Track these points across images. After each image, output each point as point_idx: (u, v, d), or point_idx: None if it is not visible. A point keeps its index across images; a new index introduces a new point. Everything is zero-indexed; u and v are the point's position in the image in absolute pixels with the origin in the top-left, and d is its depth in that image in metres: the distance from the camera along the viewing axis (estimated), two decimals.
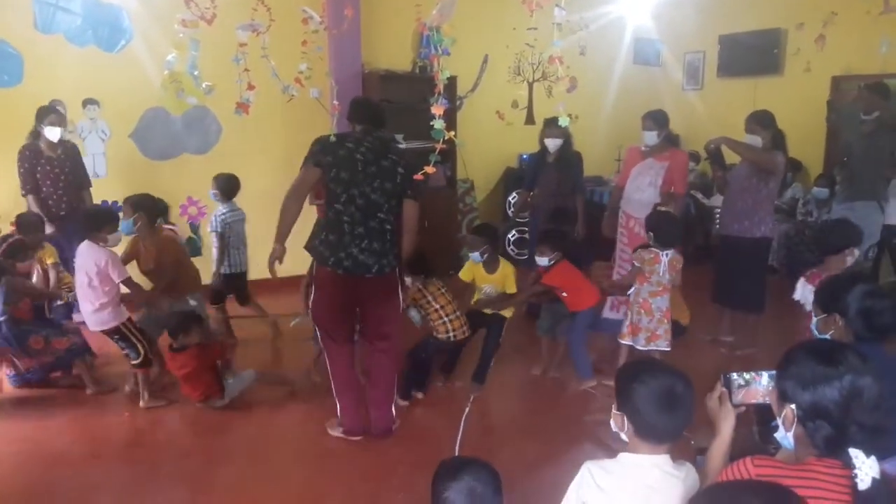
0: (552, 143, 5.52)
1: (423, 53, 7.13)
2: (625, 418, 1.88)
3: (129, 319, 4.26)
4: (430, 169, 2.85)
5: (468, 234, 4.64)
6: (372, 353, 3.81)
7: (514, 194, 7.67)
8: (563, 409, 4.23)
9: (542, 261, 4.42)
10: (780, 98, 7.65)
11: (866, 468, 1.47)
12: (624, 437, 1.92)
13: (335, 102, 4.09)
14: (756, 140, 4.78)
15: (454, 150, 7.20)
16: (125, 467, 3.56)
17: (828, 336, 2.49)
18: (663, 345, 4.22)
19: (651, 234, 4.24)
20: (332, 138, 3.57)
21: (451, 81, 6.90)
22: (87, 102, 5.94)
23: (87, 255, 4.10)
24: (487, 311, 4.48)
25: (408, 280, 4.26)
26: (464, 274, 4.59)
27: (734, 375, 1.88)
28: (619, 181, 5.41)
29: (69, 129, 5.87)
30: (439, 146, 2.86)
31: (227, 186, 5.21)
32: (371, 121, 3.71)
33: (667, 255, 4.17)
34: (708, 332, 5.25)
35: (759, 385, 1.84)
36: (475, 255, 4.41)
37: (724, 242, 5.11)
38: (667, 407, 1.83)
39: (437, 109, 2.72)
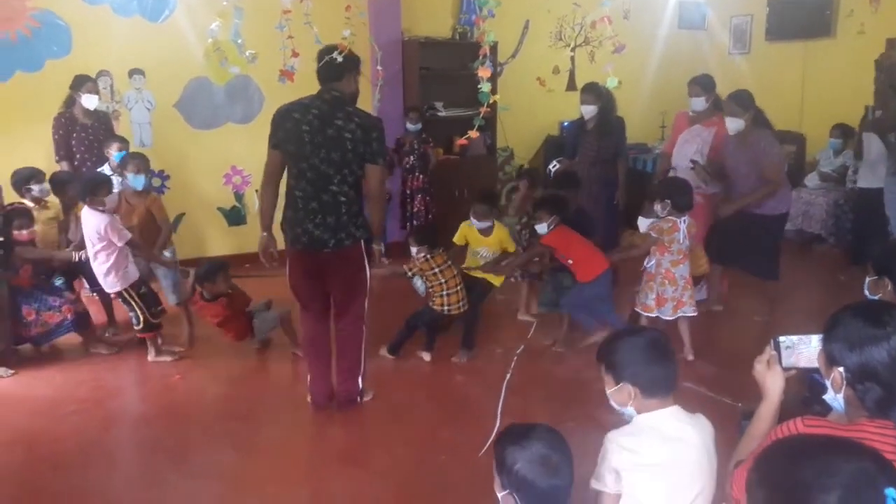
0: (587, 110, 5.44)
1: (464, 19, 7.07)
2: (629, 386, 1.96)
3: (132, 285, 4.34)
4: (473, 133, 2.84)
5: (474, 202, 4.58)
6: (336, 325, 3.74)
7: (554, 162, 7.60)
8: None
9: (541, 227, 4.40)
10: (831, 62, 7.42)
11: None
12: (631, 410, 1.99)
13: (379, 68, 4.07)
14: (738, 123, 4.63)
15: (495, 118, 7.15)
16: (176, 427, 3.69)
17: (877, 298, 2.44)
18: (690, 311, 4.24)
19: (667, 201, 4.18)
20: (282, 109, 3.46)
21: (493, 48, 6.82)
22: (133, 73, 6.04)
23: (88, 222, 4.22)
24: (478, 274, 4.53)
25: (413, 249, 4.32)
26: (458, 238, 4.67)
27: (782, 338, 1.86)
28: (667, 148, 5.35)
29: (116, 100, 5.99)
30: (484, 110, 2.84)
31: None
32: (326, 75, 3.45)
33: (684, 221, 4.16)
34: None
35: (808, 347, 1.82)
36: (483, 223, 4.49)
37: (739, 215, 4.74)
38: (660, 356, 1.98)
39: (484, 72, 2.69)
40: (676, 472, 1.91)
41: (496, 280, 4.58)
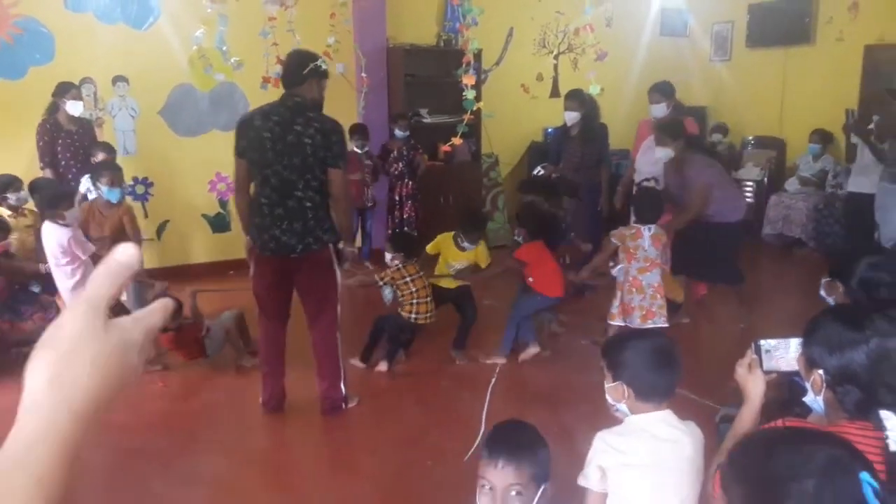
0: (570, 117, 5.48)
1: (449, 26, 7.11)
2: (624, 386, 1.98)
3: None
4: (457, 140, 2.86)
5: (466, 226, 4.48)
6: (311, 333, 3.73)
7: (538, 169, 7.64)
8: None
9: (518, 238, 4.47)
10: (811, 68, 7.54)
11: None
12: (624, 407, 2.02)
13: (363, 75, 4.09)
14: (666, 151, 4.68)
15: (479, 125, 7.18)
16: (164, 436, 3.67)
17: (831, 300, 2.52)
18: (661, 321, 4.09)
19: (632, 209, 4.23)
20: (245, 117, 3.52)
21: (477, 55, 6.87)
22: (117, 80, 6.01)
23: (49, 236, 4.17)
24: (448, 284, 4.52)
25: (387, 256, 4.34)
26: (431, 248, 4.64)
27: (763, 342, 1.90)
28: (634, 155, 5.41)
29: (100, 107, 5.97)
30: (467, 117, 2.87)
31: None
32: (288, 80, 3.48)
33: (649, 229, 4.12)
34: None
35: (788, 351, 1.86)
36: (468, 244, 4.44)
37: (695, 227, 4.73)
38: (662, 364, 1.99)
39: (468, 79, 2.72)
40: (663, 475, 1.93)
41: (461, 282, 4.58)
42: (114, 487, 3.24)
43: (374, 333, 4.40)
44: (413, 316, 4.31)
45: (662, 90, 5.14)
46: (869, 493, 1.08)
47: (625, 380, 1.99)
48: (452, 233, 4.53)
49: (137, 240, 4.90)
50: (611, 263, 4.29)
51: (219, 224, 6.58)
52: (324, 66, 3.50)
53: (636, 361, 2.00)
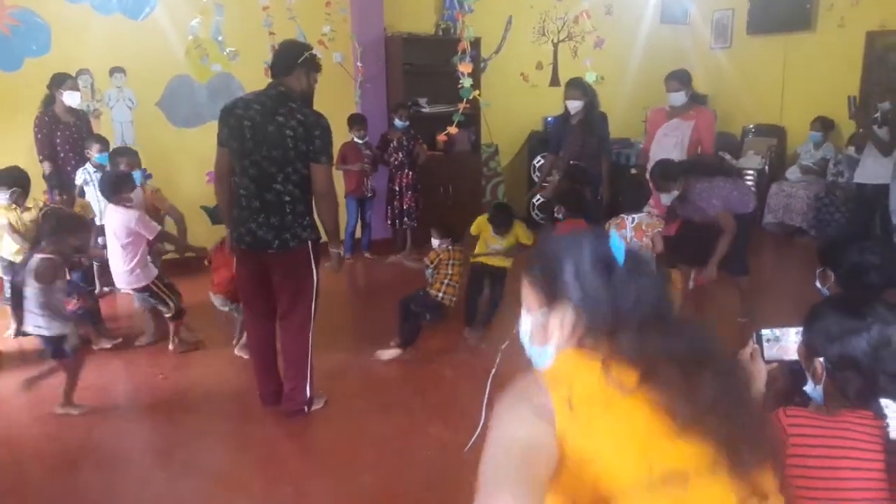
0: (572, 105, 5.40)
1: (447, 14, 7.07)
2: None
3: (158, 276, 4.40)
4: (452, 129, 2.84)
5: (494, 215, 4.64)
6: (280, 329, 3.62)
7: (539, 158, 7.63)
8: None
9: (559, 215, 4.52)
10: (812, 55, 7.49)
11: None
12: None
13: (359, 65, 4.06)
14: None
15: (478, 114, 7.15)
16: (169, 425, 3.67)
17: (826, 290, 2.51)
18: None
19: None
20: (227, 105, 3.38)
21: (475, 44, 6.83)
22: (114, 71, 5.98)
23: (115, 219, 4.25)
24: (492, 261, 4.62)
25: (434, 242, 4.40)
26: (474, 228, 4.76)
27: (764, 331, 1.90)
28: (646, 145, 5.35)
29: (97, 98, 5.94)
30: (463, 106, 2.84)
31: None
32: (276, 69, 3.38)
33: (632, 219, 4.12)
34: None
35: (788, 340, 1.86)
36: (499, 237, 4.59)
37: (706, 223, 4.68)
38: None
39: (465, 67, 2.70)
40: None
41: (507, 262, 4.67)
42: (117, 478, 3.24)
43: (403, 313, 4.43)
44: (441, 295, 4.41)
45: (681, 78, 5.04)
46: None
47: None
48: (488, 214, 4.70)
49: (178, 217, 5.03)
50: None
51: (218, 215, 6.54)
52: (314, 57, 3.40)
53: None
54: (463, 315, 4.71)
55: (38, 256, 3.63)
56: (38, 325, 3.60)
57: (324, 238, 3.58)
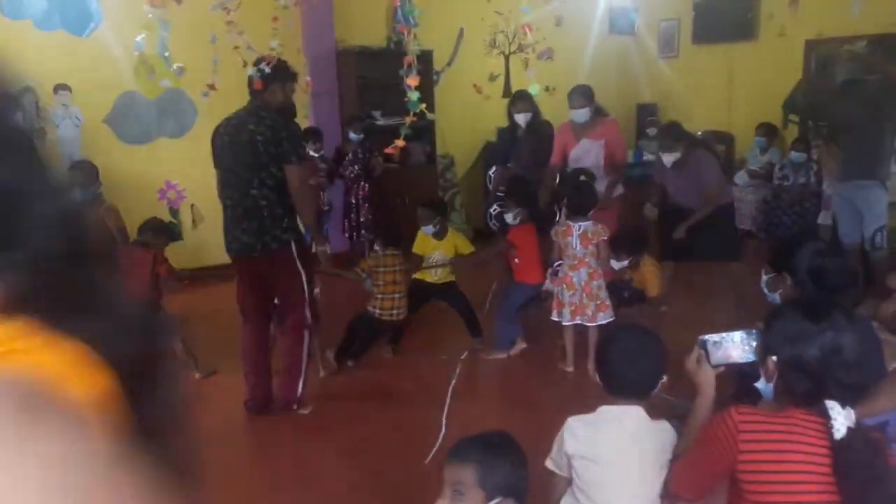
0: (522, 118, 5.33)
1: (398, 27, 7.08)
2: (597, 377, 2.09)
3: None
4: (399, 142, 2.85)
5: (419, 208, 4.63)
6: (278, 331, 3.85)
7: (494, 168, 7.66)
8: (548, 378, 4.29)
9: (509, 217, 4.44)
10: (754, 63, 7.71)
11: (842, 418, 1.51)
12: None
13: (307, 79, 4.05)
14: (674, 156, 4.75)
15: (433, 126, 7.18)
16: None
17: (777, 295, 2.51)
18: (586, 319, 4.09)
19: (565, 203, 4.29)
20: (216, 127, 3.62)
21: (427, 56, 6.85)
22: (59, 88, 5.84)
23: None
24: (429, 278, 4.60)
25: (376, 247, 4.43)
26: (417, 247, 4.70)
27: (707, 337, 1.95)
28: (553, 160, 5.26)
29: (42, 116, 5.79)
30: (409, 119, 2.86)
31: None
32: (251, 87, 3.58)
33: (578, 227, 4.08)
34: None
35: (732, 343, 1.91)
36: (428, 227, 4.52)
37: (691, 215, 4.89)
38: (628, 360, 1.97)
39: (412, 81, 2.71)
40: (622, 472, 1.92)
41: (451, 276, 4.65)
42: None
43: (348, 334, 4.38)
44: (376, 311, 4.31)
45: (585, 94, 5.00)
46: None
47: (599, 371, 2.08)
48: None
49: (123, 237, 4.80)
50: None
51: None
52: (283, 66, 3.55)
53: (609, 353, 2.04)
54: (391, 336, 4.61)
55: None
56: None
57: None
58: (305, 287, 3.68)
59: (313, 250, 3.89)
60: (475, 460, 1.70)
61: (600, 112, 5.16)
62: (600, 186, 4.84)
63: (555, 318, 4.23)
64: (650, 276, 4.82)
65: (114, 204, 5.13)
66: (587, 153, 5.07)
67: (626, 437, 1.93)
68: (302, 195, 3.56)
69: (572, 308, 4.11)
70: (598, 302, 4.11)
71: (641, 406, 1.97)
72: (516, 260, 4.47)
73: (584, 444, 1.93)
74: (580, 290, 4.10)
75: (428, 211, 4.55)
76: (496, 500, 1.69)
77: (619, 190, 5.17)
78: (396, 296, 4.34)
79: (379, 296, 4.32)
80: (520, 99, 5.41)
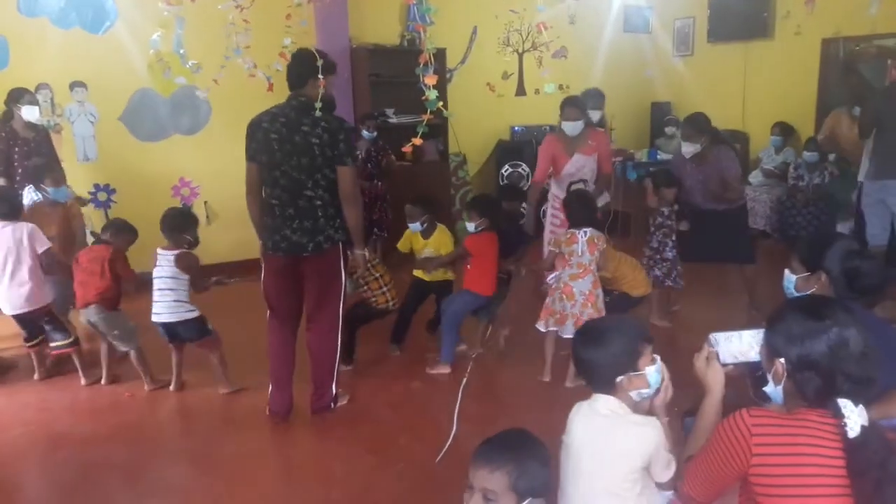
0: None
1: (411, 26, 7.09)
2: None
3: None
4: (416, 140, 2.84)
5: (407, 205, 4.54)
6: (309, 332, 3.73)
7: (506, 167, 7.68)
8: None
9: (470, 226, 4.39)
10: (770, 62, 7.65)
11: (855, 417, 1.50)
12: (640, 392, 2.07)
13: (320, 77, 4.04)
14: (694, 147, 4.68)
15: (446, 124, 7.18)
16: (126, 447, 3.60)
17: (810, 293, 2.44)
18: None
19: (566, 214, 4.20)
20: (254, 120, 3.53)
21: (440, 54, 6.86)
22: (75, 85, 5.90)
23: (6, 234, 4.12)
24: (426, 276, 4.55)
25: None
26: (402, 245, 4.67)
27: (717, 335, 1.94)
28: (538, 176, 5.08)
29: (58, 113, 5.84)
30: (427, 117, 2.85)
31: None
32: (293, 82, 3.52)
33: (584, 233, 4.01)
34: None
35: (741, 342, 1.90)
36: (415, 225, 4.46)
37: (707, 215, 4.84)
38: (591, 344, 2.04)
39: (430, 79, 2.70)
40: (584, 457, 1.97)
41: (448, 275, 4.59)
42: (82, 501, 3.17)
43: (348, 334, 4.32)
44: (383, 304, 4.38)
45: (580, 106, 4.83)
46: None
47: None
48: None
49: (81, 235, 4.83)
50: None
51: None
52: (326, 61, 3.47)
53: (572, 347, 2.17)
54: (391, 331, 4.62)
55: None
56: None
57: None
58: (343, 287, 3.68)
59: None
60: (507, 466, 1.70)
61: (589, 123, 4.98)
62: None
63: (541, 328, 4.10)
64: (629, 273, 4.38)
65: (76, 202, 5.12)
66: (580, 169, 4.92)
67: (593, 427, 1.99)
68: (353, 197, 3.55)
69: (574, 320, 3.95)
70: (592, 312, 3.97)
71: (613, 397, 2.01)
72: (468, 266, 4.36)
73: (568, 431, 2.05)
74: (581, 301, 3.97)
75: (415, 208, 4.48)
76: (527, 501, 1.70)
77: (606, 198, 5.13)
78: (385, 288, 4.38)
79: (382, 289, 4.35)
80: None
